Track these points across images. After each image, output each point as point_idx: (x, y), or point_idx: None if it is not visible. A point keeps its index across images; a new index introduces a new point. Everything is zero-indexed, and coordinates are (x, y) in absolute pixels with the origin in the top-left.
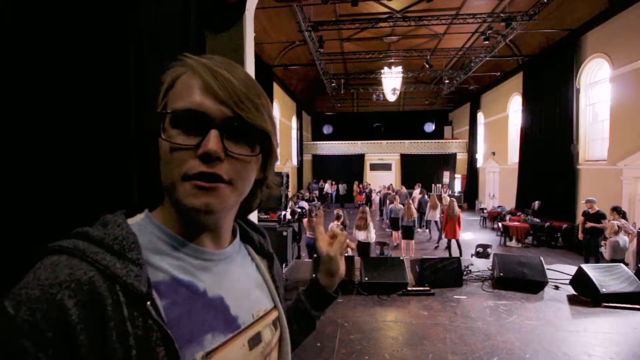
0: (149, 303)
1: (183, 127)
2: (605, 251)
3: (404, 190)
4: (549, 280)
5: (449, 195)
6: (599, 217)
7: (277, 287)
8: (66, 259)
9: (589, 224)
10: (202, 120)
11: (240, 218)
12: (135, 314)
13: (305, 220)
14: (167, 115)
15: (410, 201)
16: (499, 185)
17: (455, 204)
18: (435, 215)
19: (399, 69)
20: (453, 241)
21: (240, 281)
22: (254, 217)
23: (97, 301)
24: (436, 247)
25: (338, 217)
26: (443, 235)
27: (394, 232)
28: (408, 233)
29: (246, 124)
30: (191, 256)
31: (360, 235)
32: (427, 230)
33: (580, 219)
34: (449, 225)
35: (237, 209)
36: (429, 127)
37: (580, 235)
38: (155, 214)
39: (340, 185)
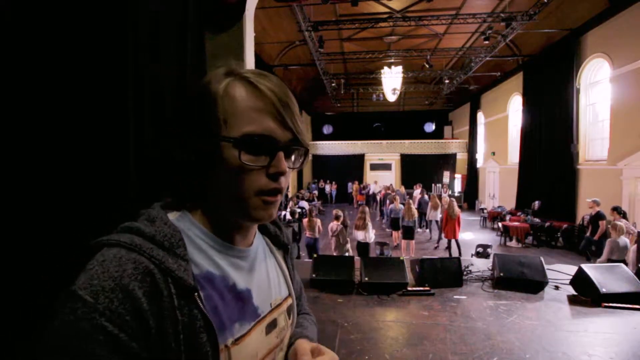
0: (196, 294)
1: (253, 148)
2: (604, 250)
3: (402, 190)
4: (549, 280)
5: (449, 196)
6: (597, 218)
7: (292, 276)
8: (126, 252)
9: (598, 235)
10: (271, 143)
11: None
12: (182, 304)
13: (305, 220)
14: (239, 138)
15: (411, 201)
16: (499, 185)
17: (455, 204)
18: (436, 215)
19: (399, 69)
20: (453, 241)
21: (261, 273)
22: None
23: (157, 291)
24: (436, 247)
25: (337, 217)
26: (443, 235)
27: (394, 232)
28: (408, 233)
29: (300, 144)
30: (223, 253)
31: (359, 235)
32: (428, 230)
33: (579, 219)
34: (449, 225)
35: None
36: (429, 127)
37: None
38: (193, 214)
39: (354, 184)
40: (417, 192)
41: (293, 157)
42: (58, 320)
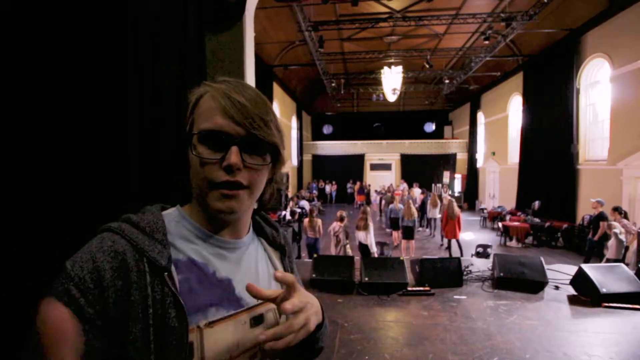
0: (166, 274)
1: (209, 144)
2: (608, 251)
3: (408, 192)
4: (549, 280)
5: (450, 195)
6: (599, 218)
7: None
8: (111, 235)
9: (597, 236)
10: (223, 138)
11: (258, 213)
12: (155, 282)
13: (306, 220)
14: (195, 135)
15: (411, 201)
16: (499, 185)
17: (455, 204)
18: (435, 213)
19: (399, 69)
20: (453, 241)
21: (250, 268)
22: None
23: (125, 267)
24: (441, 246)
25: (341, 219)
26: (443, 235)
27: (394, 232)
28: (408, 233)
29: (258, 140)
30: (208, 244)
31: (361, 236)
32: (428, 229)
33: (579, 219)
34: (449, 225)
35: (254, 206)
36: (429, 127)
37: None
38: (185, 209)
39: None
40: (417, 191)
41: (255, 153)
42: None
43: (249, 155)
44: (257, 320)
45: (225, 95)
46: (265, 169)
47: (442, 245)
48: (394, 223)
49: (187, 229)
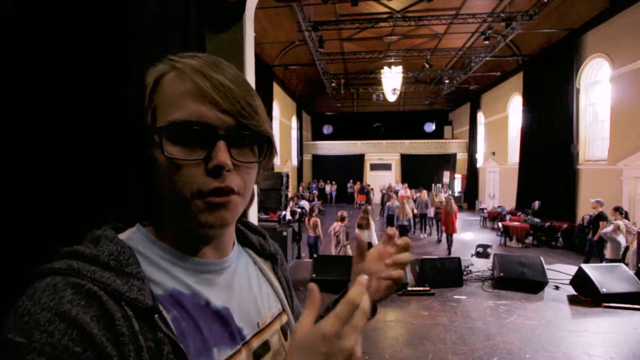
0: (156, 316)
1: (183, 140)
2: (607, 250)
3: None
4: (549, 280)
5: (449, 195)
6: (598, 218)
7: (284, 288)
8: (62, 279)
9: (597, 236)
10: (205, 131)
11: (239, 221)
12: (145, 327)
13: (306, 219)
14: (163, 128)
15: (405, 201)
16: (499, 185)
17: (453, 201)
18: (431, 212)
19: (399, 69)
20: (449, 235)
21: (243, 289)
22: (253, 218)
23: (108, 315)
24: (439, 241)
25: (342, 219)
26: (443, 229)
27: (389, 228)
28: (402, 232)
29: (250, 130)
30: (190, 270)
31: (362, 235)
32: (427, 228)
33: (579, 219)
34: (448, 220)
35: None
36: (429, 127)
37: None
38: (149, 229)
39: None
40: (402, 191)
41: (245, 149)
42: None
43: (238, 151)
44: (262, 349)
45: (200, 73)
46: (256, 166)
47: (438, 240)
48: (389, 220)
49: (159, 255)
